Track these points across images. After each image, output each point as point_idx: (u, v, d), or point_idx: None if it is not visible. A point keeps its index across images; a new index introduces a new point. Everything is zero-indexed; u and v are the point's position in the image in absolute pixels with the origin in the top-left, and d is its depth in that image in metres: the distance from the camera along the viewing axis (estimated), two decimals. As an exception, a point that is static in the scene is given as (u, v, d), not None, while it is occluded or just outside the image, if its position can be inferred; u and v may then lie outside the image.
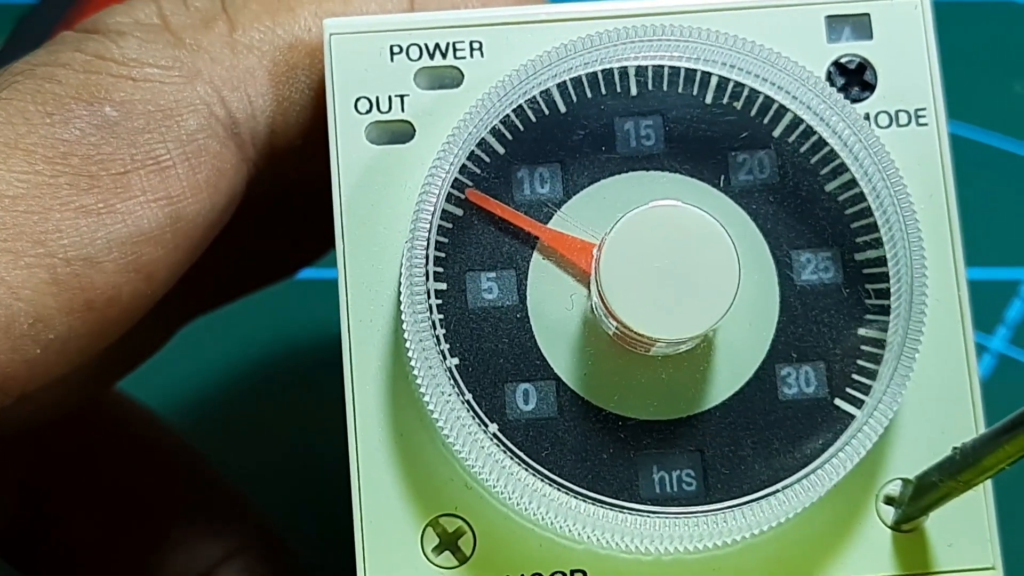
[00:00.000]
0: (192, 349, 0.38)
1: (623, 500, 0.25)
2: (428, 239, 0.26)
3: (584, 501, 0.25)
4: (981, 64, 0.44)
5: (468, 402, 0.26)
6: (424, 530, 0.26)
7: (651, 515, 0.25)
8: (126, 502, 0.37)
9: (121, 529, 0.36)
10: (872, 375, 0.26)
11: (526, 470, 0.25)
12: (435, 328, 0.26)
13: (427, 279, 0.26)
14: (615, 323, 0.26)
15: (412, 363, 0.26)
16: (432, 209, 0.26)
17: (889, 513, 0.27)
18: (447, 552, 0.26)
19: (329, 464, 0.30)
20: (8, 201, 0.26)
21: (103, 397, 0.36)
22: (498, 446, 0.25)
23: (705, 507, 0.25)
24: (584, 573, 0.26)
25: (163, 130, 0.27)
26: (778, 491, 0.25)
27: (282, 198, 0.32)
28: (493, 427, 0.26)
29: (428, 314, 0.26)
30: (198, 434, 0.40)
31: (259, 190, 0.30)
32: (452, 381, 0.26)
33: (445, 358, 0.26)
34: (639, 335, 0.25)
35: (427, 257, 0.26)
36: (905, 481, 0.27)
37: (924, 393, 0.27)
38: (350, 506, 0.27)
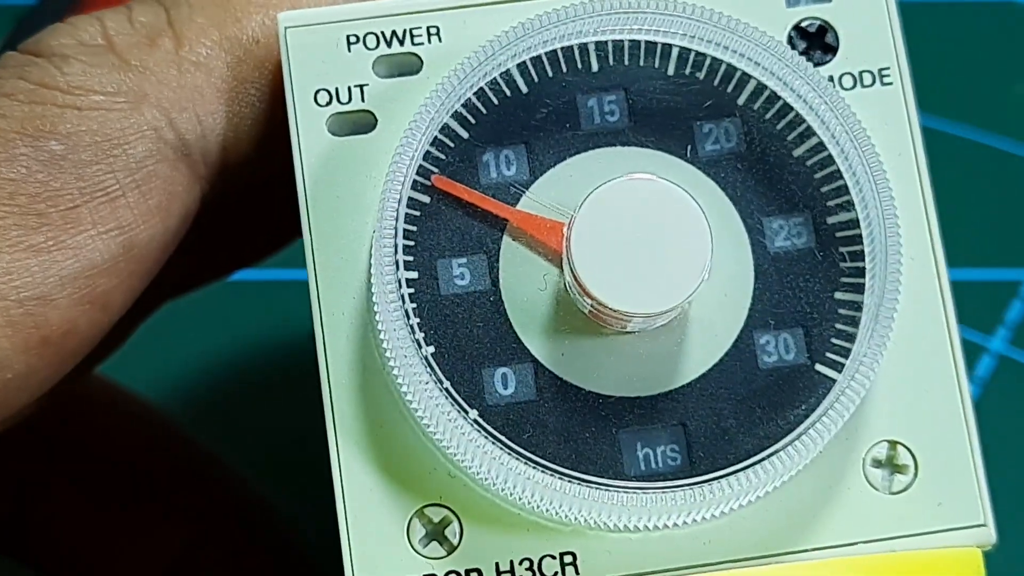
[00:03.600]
0: (168, 343, 0.38)
1: (608, 478, 0.25)
2: (396, 228, 0.26)
3: (569, 481, 0.25)
4: (981, 64, 0.44)
5: (447, 390, 0.26)
6: (410, 522, 0.26)
7: (637, 491, 0.25)
8: (110, 483, 0.36)
9: (106, 510, 0.36)
10: (851, 338, 0.26)
11: (509, 454, 0.25)
12: (408, 317, 0.26)
13: (397, 268, 0.26)
14: (589, 300, 0.25)
15: (387, 354, 0.26)
16: (398, 197, 0.26)
17: (876, 476, 0.26)
18: (434, 543, 0.26)
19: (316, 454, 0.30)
20: None
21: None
22: (479, 432, 0.25)
23: (691, 480, 0.25)
24: (574, 555, 0.26)
25: (111, 160, 0.27)
26: (763, 459, 0.25)
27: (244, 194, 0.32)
28: (473, 413, 0.26)
29: (400, 304, 0.26)
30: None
31: (216, 200, 0.29)
32: (429, 370, 0.26)
33: (420, 347, 0.26)
34: (614, 311, 0.25)
35: (396, 246, 0.26)
36: (891, 442, 0.27)
37: (904, 353, 0.27)
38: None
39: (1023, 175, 0.43)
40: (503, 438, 0.25)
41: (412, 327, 0.26)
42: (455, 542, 0.26)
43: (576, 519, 0.25)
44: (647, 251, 0.25)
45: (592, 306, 0.25)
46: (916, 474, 0.26)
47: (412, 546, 0.26)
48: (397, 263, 0.26)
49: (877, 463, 0.27)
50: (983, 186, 0.43)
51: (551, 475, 0.25)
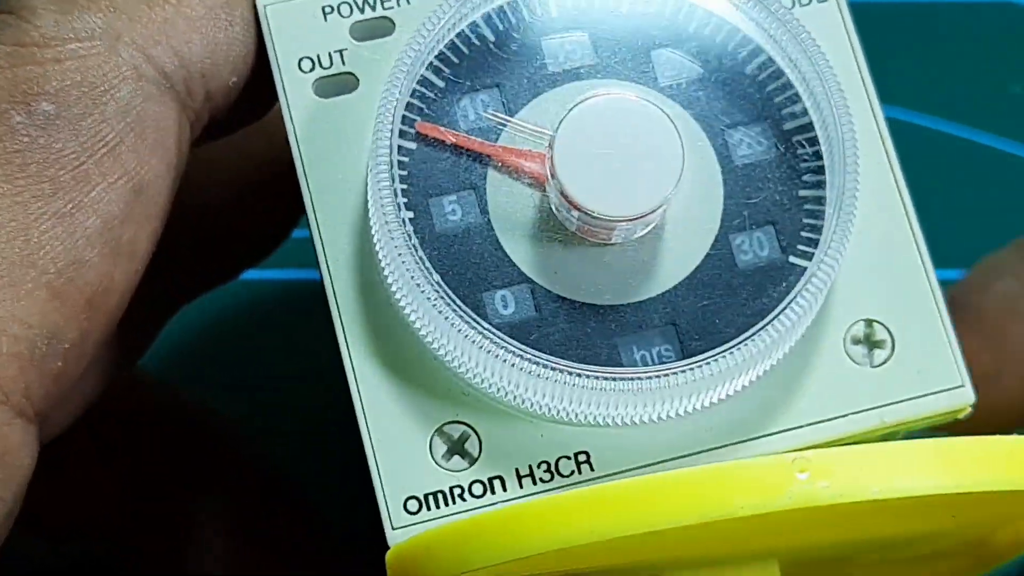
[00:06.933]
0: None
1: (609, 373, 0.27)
2: (391, 174, 0.28)
3: (575, 375, 0.27)
4: (979, 65, 0.45)
5: (456, 308, 0.27)
6: (431, 440, 0.28)
7: (637, 377, 0.27)
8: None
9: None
10: (818, 230, 0.28)
11: (518, 356, 0.27)
12: (415, 251, 0.27)
13: (398, 209, 0.28)
14: (576, 213, 0.27)
15: (393, 288, 0.27)
16: (388, 145, 0.28)
17: (857, 352, 0.28)
18: (456, 456, 0.28)
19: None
20: None
21: None
22: (490, 341, 0.27)
23: (684, 362, 0.27)
24: (587, 454, 0.28)
25: (101, 109, 0.28)
26: (747, 340, 0.27)
27: (254, 180, 0.34)
28: (483, 325, 0.27)
29: (406, 239, 0.27)
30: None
31: (207, 130, 0.30)
32: (438, 292, 0.27)
33: (431, 274, 0.27)
34: (600, 218, 0.27)
35: (395, 191, 0.28)
36: (867, 321, 0.29)
37: (871, 240, 0.29)
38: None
39: (1021, 175, 0.44)
40: (512, 344, 0.27)
41: (420, 259, 0.27)
42: (475, 454, 0.28)
43: (585, 415, 0.27)
44: (625, 161, 0.27)
45: (579, 219, 0.27)
46: (894, 347, 0.28)
47: (436, 461, 0.28)
48: (398, 205, 0.28)
49: (856, 341, 0.29)
50: (981, 186, 0.44)
51: (558, 372, 0.27)
